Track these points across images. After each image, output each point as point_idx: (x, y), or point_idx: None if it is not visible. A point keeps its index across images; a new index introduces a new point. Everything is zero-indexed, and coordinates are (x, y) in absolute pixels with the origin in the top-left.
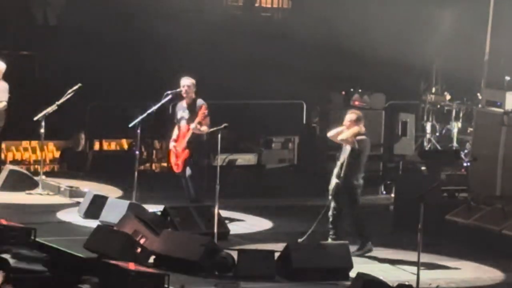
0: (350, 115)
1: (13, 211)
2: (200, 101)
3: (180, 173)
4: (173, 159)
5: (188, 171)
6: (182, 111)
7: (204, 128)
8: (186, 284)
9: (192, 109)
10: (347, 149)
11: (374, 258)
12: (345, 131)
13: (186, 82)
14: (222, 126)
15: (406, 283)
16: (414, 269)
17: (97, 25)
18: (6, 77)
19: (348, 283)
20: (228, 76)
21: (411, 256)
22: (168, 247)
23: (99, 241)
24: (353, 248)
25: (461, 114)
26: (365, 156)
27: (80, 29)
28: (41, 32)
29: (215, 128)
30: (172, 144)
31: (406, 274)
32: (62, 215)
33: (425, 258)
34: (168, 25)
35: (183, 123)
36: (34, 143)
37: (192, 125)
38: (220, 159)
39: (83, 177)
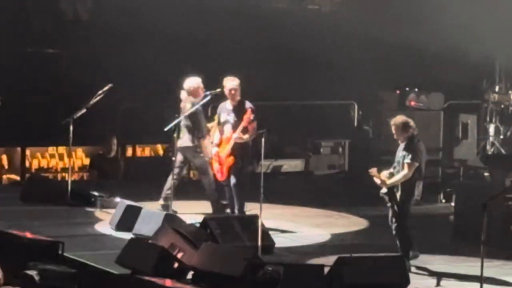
0: (395, 123)
1: (39, 223)
2: (247, 104)
3: (223, 182)
4: (216, 165)
5: (232, 179)
6: (226, 114)
7: (247, 136)
8: None
9: (239, 112)
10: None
11: (433, 273)
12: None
13: (233, 84)
14: (264, 130)
15: None
16: (476, 285)
17: (131, 20)
18: (32, 76)
19: None
20: (273, 75)
21: (473, 270)
22: (207, 262)
23: (133, 255)
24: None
25: None
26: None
27: (113, 25)
28: (70, 28)
29: (256, 133)
30: (214, 150)
31: None
32: (92, 227)
33: (489, 272)
34: (208, 21)
35: (227, 127)
36: (62, 149)
37: (235, 135)
38: (264, 166)
39: (115, 185)
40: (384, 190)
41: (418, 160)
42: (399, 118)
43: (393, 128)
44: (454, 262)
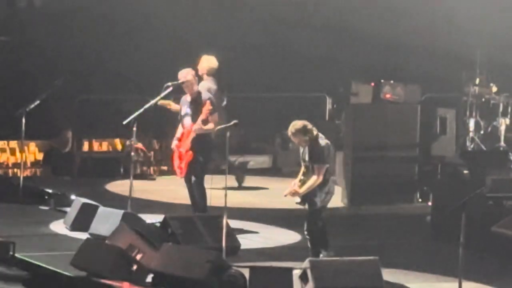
0: (294, 129)
1: None
2: (205, 95)
3: (184, 178)
4: (176, 161)
5: (192, 176)
6: (186, 106)
7: (210, 126)
8: None
9: (196, 104)
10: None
11: (408, 278)
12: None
13: (185, 76)
14: (232, 123)
15: None
16: None
17: (88, 7)
18: None
19: None
20: (238, 66)
21: (452, 274)
22: (168, 264)
23: (89, 257)
24: None
25: (509, 109)
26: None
27: (68, 12)
28: (23, 14)
29: (223, 126)
30: (174, 143)
31: None
32: (45, 227)
33: (469, 277)
34: (170, 7)
35: (187, 120)
36: (13, 143)
37: (195, 126)
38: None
39: (70, 182)
40: (298, 199)
41: (326, 161)
42: (298, 123)
43: (293, 136)
44: (431, 265)
